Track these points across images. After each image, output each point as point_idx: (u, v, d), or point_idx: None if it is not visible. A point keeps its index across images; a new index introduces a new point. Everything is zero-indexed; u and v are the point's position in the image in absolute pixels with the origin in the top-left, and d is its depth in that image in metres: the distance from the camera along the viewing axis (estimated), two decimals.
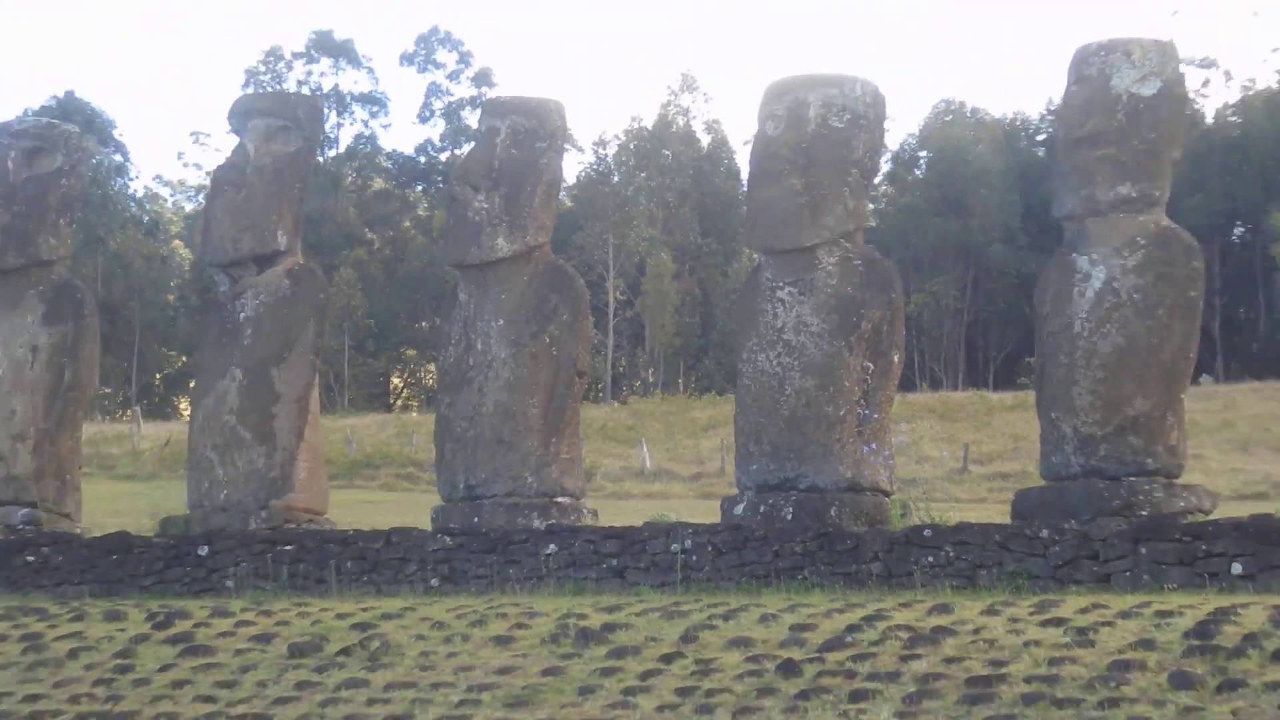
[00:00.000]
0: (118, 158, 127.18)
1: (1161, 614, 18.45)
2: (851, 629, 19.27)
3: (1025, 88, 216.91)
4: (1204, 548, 20.52)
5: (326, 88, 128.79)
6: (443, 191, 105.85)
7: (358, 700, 19.47)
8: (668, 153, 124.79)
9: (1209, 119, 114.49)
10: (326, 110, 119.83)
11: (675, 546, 23.15)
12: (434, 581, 23.94)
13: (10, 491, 27.56)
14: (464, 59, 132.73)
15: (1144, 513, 21.60)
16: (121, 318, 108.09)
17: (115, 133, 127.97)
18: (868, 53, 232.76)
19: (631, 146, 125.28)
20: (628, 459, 64.59)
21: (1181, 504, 21.97)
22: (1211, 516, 21.79)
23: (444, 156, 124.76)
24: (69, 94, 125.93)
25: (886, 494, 23.74)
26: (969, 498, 44.58)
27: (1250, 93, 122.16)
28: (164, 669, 21.17)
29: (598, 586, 22.87)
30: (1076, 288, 22.77)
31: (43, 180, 28.23)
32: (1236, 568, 20.15)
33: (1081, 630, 18.28)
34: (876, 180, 26.71)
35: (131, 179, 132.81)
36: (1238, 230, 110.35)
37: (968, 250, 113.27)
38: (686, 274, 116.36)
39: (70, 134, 30.10)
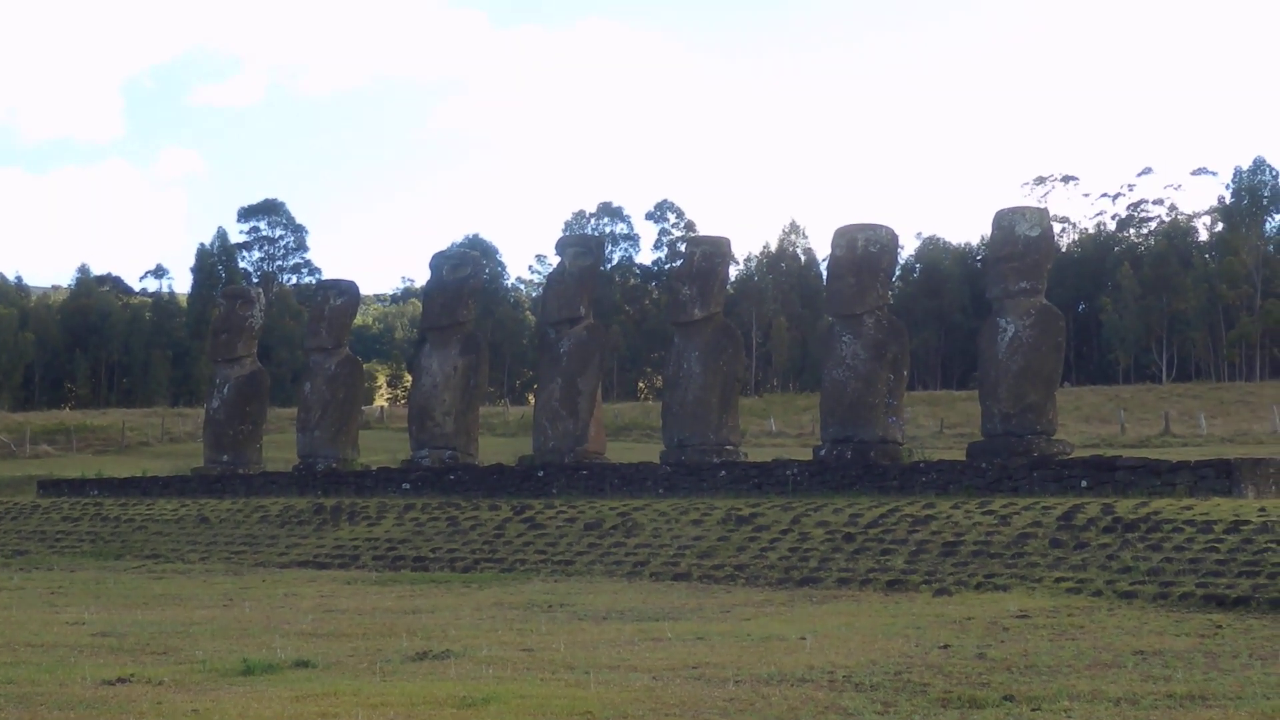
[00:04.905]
0: (499, 269, 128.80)
1: (1044, 508, 18.21)
2: (881, 516, 19.12)
3: (972, 227, 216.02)
4: (1067, 472, 20.20)
5: (606, 230, 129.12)
6: (665, 285, 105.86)
7: (620, 552, 19.60)
8: (783, 264, 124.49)
9: (1064, 249, 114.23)
10: (606, 244, 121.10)
11: (789, 472, 22.99)
12: (660, 490, 23.86)
13: (443, 441, 27.83)
14: (680, 215, 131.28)
15: (1035, 454, 21.35)
16: (500, 353, 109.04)
17: (498, 256, 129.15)
18: (889, 202, 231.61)
19: (764, 261, 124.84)
20: (763, 426, 64.24)
21: (1055, 450, 21.73)
22: (1070, 456, 21.53)
23: (668, 266, 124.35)
24: (475, 235, 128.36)
25: (900, 444, 23.53)
26: (944, 447, 43.87)
27: (1085, 235, 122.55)
28: (519, 535, 21.41)
29: (747, 493, 22.73)
30: (999, 336, 22.48)
31: (461, 280, 28.48)
32: (1084, 483, 19.84)
33: (1003, 516, 18.08)
34: (893, 279, 26.46)
35: (506, 280, 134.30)
36: (1081, 306, 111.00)
37: (941, 316, 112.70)
38: (794, 329, 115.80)
39: (475, 257, 30.54)
